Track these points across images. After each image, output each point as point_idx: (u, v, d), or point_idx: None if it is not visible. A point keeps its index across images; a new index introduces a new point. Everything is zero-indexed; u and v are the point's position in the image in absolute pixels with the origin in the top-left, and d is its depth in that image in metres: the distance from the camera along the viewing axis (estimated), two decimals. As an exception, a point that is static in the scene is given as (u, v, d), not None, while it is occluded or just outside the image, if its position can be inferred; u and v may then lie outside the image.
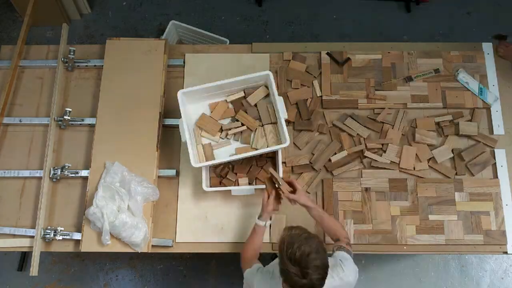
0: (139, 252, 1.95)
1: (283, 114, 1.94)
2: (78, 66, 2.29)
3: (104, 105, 2.15)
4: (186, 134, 1.90)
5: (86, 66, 2.29)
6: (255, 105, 2.07)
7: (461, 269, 2.90)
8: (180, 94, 1.94)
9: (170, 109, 2.22)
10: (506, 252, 2.03)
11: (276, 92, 1.96)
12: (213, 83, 1.97)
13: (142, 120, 2.12)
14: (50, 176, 2.08)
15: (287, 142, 1.87)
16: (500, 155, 2.15)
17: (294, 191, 1.79)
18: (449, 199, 2.07)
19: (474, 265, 2.91)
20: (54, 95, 2.19)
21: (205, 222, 2.07)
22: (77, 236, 2.01)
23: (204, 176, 1.99)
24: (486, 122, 2.21)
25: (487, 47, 2.33)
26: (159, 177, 2.09)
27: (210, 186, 2.04)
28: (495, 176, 2.12)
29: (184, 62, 2.31)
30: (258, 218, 1.83)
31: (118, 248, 1.96)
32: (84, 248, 1.96)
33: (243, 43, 2.40)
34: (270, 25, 3.50)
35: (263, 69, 2.20)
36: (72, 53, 2.28)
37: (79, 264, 2.93)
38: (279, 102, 1.96)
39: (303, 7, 3.54)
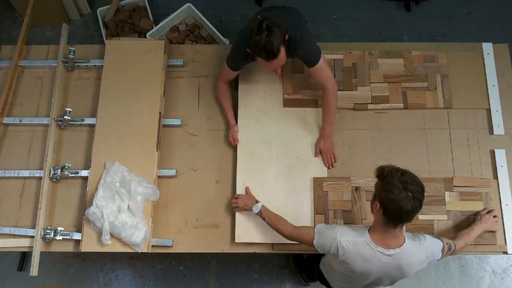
0: (139, 252, 1.95)
1: None
2: (78, 66, 2.29)
3: (104, 105, 2.15)
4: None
5: (86, 66, 2.29)
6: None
7: (461, 269, 2.90)
8: None
9: (170, 109, 2.23)
10: (506, 252, 2.03)
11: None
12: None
13: (142, 120, 2.12)
14: (50, 176, 2.08)
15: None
16: (500, 155, 2.15)
17: None
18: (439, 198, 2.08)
19: (474, 265, 2.91)
20: (54, 95, 2.19)
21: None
22: (77, 236, 2.01)
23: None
24: (486, 122, 2.22)
25: (487, 47, 2.33)
26: (159, 177, 2.09)
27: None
28: (495, 176, 2.13)
29: (183, 62, 2.31)
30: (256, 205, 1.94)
31: (118, 248, 1.96)
32: (84, 248, 1.96)
33: (243, 43, 2.40)
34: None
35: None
36: (72, 53, 2.28)
37: (79, 264, 2.93)
38: None
39: (303, 7, 3.52)
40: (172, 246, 2.03)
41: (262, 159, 2.13)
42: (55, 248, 2.04)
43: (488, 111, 2.23)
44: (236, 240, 2.01)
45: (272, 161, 2.13)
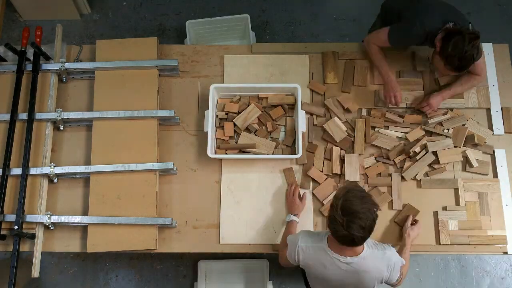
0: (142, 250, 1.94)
1: (301, 127, 2.05)
2: (73, 78, 2.26)
3: (102, 105, 2.13)
4: (209, 124, 2.05)
5: (81, 78, 2.26)
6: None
7: (461, 269, 2.90)
8: (212, 88, 2.08)
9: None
10: (506, 252, 2.03)
11: (300, 106, 2.07)
12: (245, 84, 2.20)
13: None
14: (50, 176, 2.07)
15: (299, 154, 1.99)
16: (500, 155, 2.15)
17: None
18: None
19: (474, 265, 2.91)
20: (51, 95, 2.17)
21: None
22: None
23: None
24: (486, 122, 2.21)
25: (487, 47, 2.33)
26: (159, 175, 2.09)
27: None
28: (495, 176, 2.13)
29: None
30: (289, 215, 1.97)
31: (119, 248, 1.96)
32: (90, 249, 1.96)
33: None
34: (270, 25, 3.50)
35: (297, 72, 2.30)
36: (63, 64, 2.19)
37: (79, 264, 2.93)
38: (301, 115, 2.07)
39: (303, 7, 3.54)
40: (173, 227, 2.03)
41: (247, 160, 2.15)
42: (56, 248, 2.05)
43: (488, 111, 2.23)
44: (221, 242, 2.05)
45: (257, 162, 2.15)
